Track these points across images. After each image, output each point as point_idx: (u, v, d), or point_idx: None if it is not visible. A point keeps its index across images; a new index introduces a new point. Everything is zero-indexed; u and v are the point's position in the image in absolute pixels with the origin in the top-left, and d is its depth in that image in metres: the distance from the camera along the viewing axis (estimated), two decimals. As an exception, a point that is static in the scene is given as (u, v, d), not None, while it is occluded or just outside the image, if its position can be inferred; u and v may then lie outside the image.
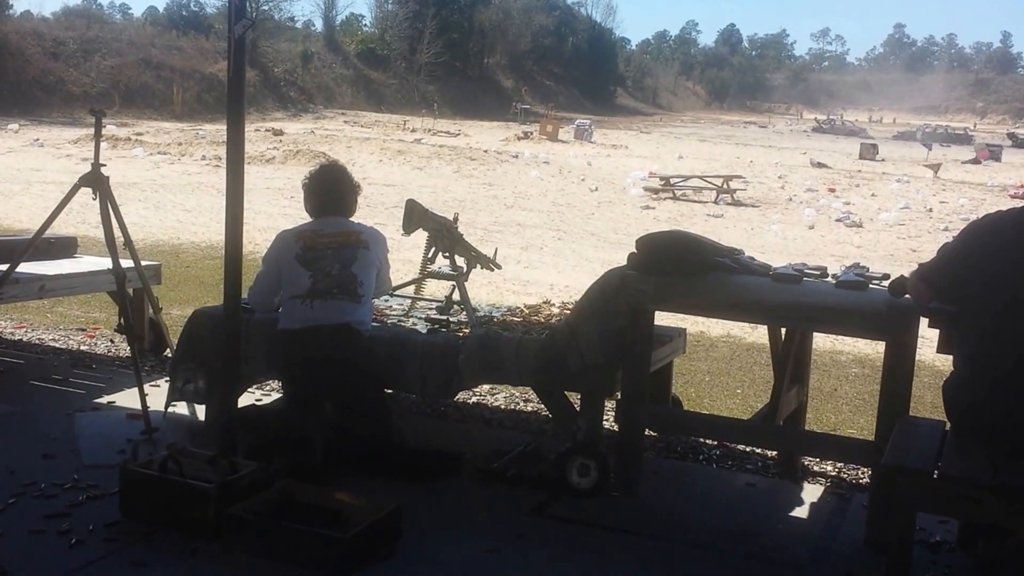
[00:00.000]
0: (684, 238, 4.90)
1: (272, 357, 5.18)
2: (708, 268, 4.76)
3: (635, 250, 4.78)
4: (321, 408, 4.98)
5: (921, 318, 4.30)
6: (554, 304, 6.02)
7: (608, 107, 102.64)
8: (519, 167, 31.28)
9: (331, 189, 5.36)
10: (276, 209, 17.74)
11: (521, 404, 6.45)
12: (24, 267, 6.24)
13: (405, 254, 11.22)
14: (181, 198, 19.89)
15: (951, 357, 4.13)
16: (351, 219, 5.39)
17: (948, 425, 4.04)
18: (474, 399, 6.45)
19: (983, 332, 3.86)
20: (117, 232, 5.78)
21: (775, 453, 5.50)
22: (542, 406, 5.69)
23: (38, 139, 33.41)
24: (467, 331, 5.25)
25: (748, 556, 4.26)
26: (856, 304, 4.42)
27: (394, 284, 5.76)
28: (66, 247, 7.31)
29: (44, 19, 68.23)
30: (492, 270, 5.85)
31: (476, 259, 5.70)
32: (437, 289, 6.29)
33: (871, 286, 4.65)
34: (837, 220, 22.76)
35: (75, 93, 52.21)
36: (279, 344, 5.09)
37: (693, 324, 8.60)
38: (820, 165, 38.88)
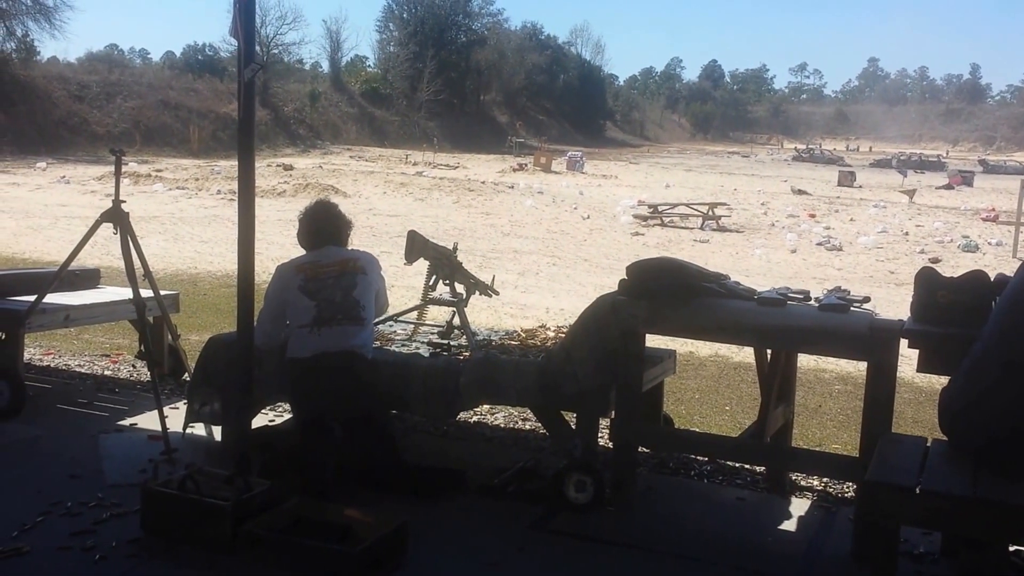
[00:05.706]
0: (672, 264, 4.86)
1: (283, 384, 5.16)
2: (695, 293, 4.72)
3: (625, 276, 4.76)
4: (330, 429, 4.95)
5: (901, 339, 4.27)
6: (549, 328, 6.00)
7: (598, 139, 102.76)
8: (515, 197, 31.31)
9: (325, 222, 5.38)
10: (287, 239, 17.62)
11: (520, 423, 6.41)
12: (50, 298, 6.29)
13: (408, 280, 11.21)
14: (198, 230, 19.90)
15: (931, 375, 4.08)
16: (346, 247, 5.41)
17: (930, 441, 3.99)
18: (475, 418, 6.41)
19: (980, 349, 3.81)
20: (137, 264, 5.77)
21: (764, 468, 5.46)
22: (540, 425, 5.66)
23: (64, 176, 33.48)
24: (467, 355, 5.23)
25: (738, 568, 4.21)
26: (839, 326, 4.39)
27: (396, 310, 5.75)
28: (90, 278, 7.34)
29: (69, 64, 68.83)
30: (490, 296, 5.82)
31: (475, 286, 5.69)
32: (439, 315, 6.27)
33: (852, 309, 4.62)
34: (818, 244, 22.78)
35: (99, 133, 52.39)
36: (289, 372, 5.07)
37: (683, 345, 8.58)
38: (800, 192, 39.01)
